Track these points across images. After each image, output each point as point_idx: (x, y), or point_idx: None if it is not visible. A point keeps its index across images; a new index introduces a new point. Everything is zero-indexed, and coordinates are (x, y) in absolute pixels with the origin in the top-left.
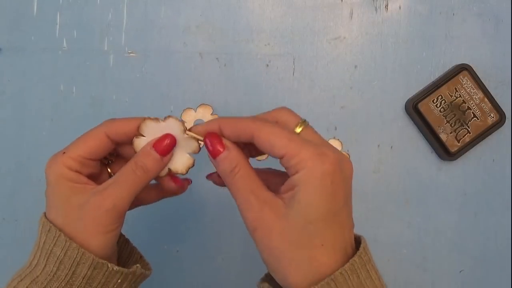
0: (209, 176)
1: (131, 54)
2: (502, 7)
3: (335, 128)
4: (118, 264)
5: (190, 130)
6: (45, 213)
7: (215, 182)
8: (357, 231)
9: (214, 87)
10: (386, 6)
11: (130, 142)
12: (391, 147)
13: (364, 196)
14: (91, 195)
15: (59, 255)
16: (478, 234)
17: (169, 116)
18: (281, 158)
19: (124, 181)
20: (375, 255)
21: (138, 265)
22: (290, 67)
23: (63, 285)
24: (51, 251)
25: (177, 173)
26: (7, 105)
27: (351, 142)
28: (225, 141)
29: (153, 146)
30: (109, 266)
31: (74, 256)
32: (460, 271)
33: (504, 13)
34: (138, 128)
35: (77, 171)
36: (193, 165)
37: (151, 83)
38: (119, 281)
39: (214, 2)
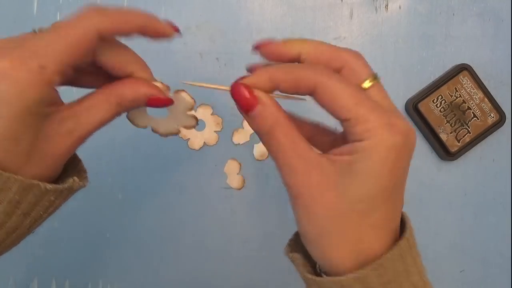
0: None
1: None
2: (502, 7)
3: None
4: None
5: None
6: None
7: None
8: None
9: None
10: (386, 6)
11: (117, 45)
12: None
13: None
14: (60, 124)
15: None
16: (478, 234)
17: (181, 91)
18: (344, 121)
19: (99, 117)
20: None
21: (75, 177)
22: None
23: None
24: None
25: (156, 132)
26: None
27: None
28: (258, 93)
29: (148, 100)
30: (41, 185)
31: None
32: (460, 271)
33: (504, 13)
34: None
35: (56, 85)
36: (177, 134)
37: None
38: (51, 198)
39: (214, 2)
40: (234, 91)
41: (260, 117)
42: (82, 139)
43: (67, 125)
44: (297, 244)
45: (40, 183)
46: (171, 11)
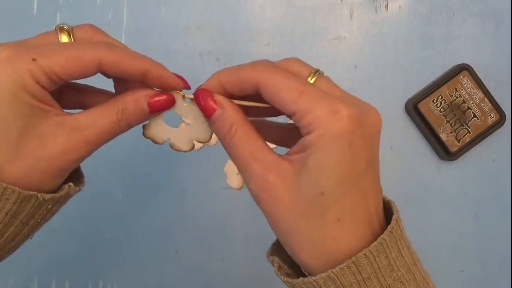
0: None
1: None
2: (502, 7)
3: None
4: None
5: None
6: None
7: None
8: None
9: None
10: (386, 6)
11: (122, 80)
12: (391, 147)
13: None
14: (58, 127)
15: None
16: (478, 234)
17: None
18: (291, 115)
19: (102, 127)
20: None
21: (70, 184)
22: None
23: None
24: None
25: (174, 148)
26: None
27: None
28: (218, 98)
29: (148, 100)
30: (39, 196)
31: None
32: (460, 271)
33: (504, 13)
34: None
35: (43, 87)
36: (191, 150)
37: None
38: (49, 206)
39: (214, 2)
40: (196, 98)
41: (219, 120)
42: (80, 146)
43: (64, 128)
44: (278, 247)
45: (38, 194)
46: (171, 11)
